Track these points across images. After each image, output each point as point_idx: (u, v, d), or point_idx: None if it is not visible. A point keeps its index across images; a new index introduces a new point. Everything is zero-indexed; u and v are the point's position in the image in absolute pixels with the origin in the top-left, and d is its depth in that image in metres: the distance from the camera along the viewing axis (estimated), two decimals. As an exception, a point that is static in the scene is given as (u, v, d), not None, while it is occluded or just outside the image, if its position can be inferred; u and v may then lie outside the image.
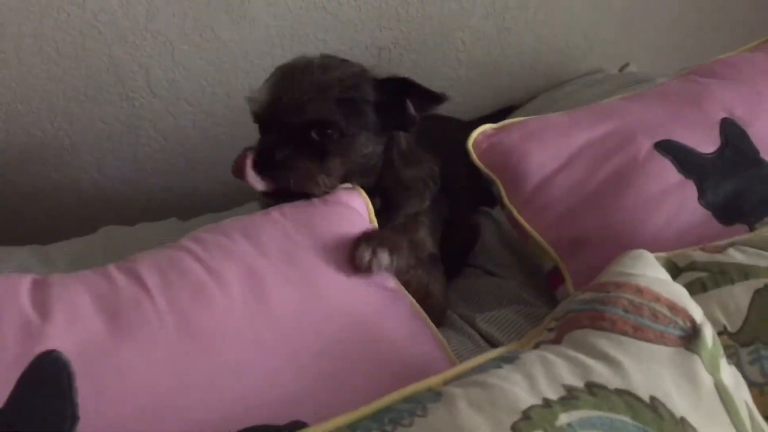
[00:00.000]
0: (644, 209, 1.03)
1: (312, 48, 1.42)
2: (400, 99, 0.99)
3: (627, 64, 1.92)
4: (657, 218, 1.02)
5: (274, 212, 0.90)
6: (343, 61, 1.02)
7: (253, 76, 1.40)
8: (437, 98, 1.00)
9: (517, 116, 1.70)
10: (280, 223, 0.88)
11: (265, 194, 0.95)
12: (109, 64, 1.29)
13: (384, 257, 0.87)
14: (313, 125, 0.95)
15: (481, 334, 1.03)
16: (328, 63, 0.99)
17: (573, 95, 1.71)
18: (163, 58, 1.32)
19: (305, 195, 0.94)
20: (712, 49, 1.89)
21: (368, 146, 0.99)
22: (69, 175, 1.33)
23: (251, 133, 1.01)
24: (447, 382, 0.61)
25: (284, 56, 1.39)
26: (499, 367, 0.60)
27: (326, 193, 0.95)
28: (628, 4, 1.94)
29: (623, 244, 0.99)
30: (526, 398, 0.54)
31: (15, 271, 0.98)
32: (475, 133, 1.12)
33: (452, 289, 1.13)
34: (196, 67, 1.36)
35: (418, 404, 0.56)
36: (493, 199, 1.15)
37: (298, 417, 0.69)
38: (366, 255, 0.86)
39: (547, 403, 0.54)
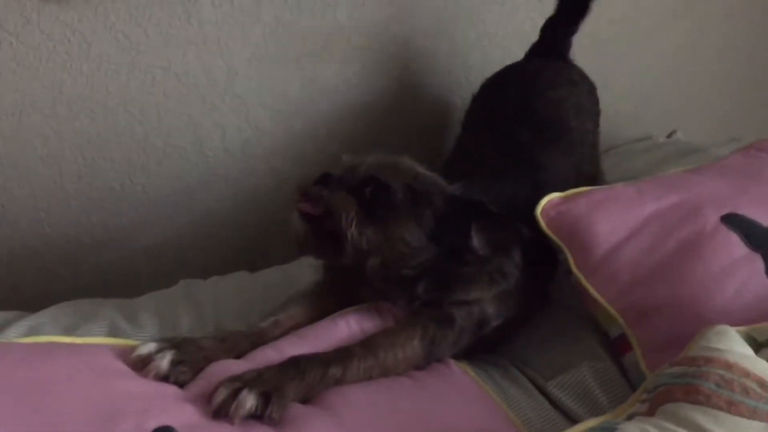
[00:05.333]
0: (713, 281, 1.05)
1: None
2: (466, 221, 1.00)
3: (674, 131, 1.96)
4: (726, 290, 1.04)
5: None
6: (433, 174, 1.06)
7: (319, 139, 1.47)
8: (504, 223, 1.02)
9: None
10: None
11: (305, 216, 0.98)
12: (188, 124, 1.35)
13: (248, 400, 0.77)
14: (370, 182, 0.98)
15: (550, 400, 1.05)
16: (416, 164, 1.06)
17: (623, 163, 1.74)
18: (238, 118, 1.39)
19: (336, 233, 0.95)
20: (756, 117, 1.93)
21: (413, 240, 0.99)
22: (143, 228, 1.39)
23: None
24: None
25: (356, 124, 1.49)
26: (601, 437, 0.63)
27: (351, 243, 0.95)
28: (677, 73, 2.00)
29: (693, 314, 1.02)
30: (635, 470, 0.57)
31: (106, 330, 1.02)
32: (543, 202, 1.15)
33: (528, 340, 1.14)
34: (267, 128, 1.43)
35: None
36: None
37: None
38: (221, 395, 0.78)
39: (656, 476, 0.56)
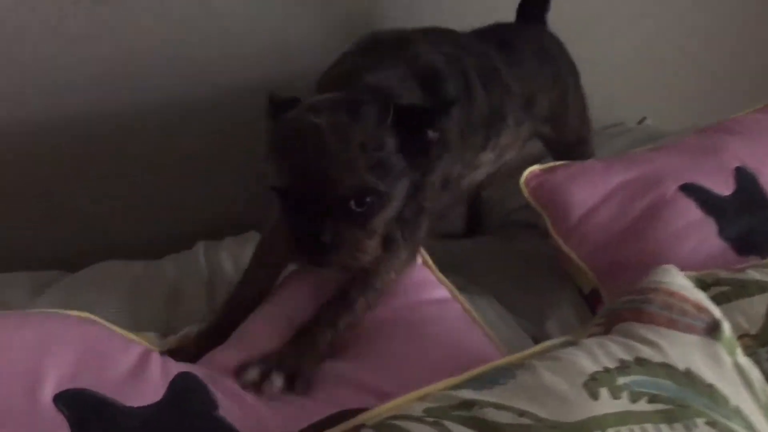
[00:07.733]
0: (673, 240, 1.20)
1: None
2: (417, 126, 0.95)
3: (644, 118, 2.11)
4: (684, 248, 1.19)
5: None
6: (352, 115, 0.91)
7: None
8: (448, 103, 1.02)
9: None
10: None
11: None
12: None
13: (277, 380, 0.87)
14: (352, 198, 0.91)
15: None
16: (338, 127, 0.89)
17: (598, 147, 1.90)
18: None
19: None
20: (720, 105, 2.10)
21: (402, 191, 0.97)
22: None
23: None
24: (524, 359, 0.78)
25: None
26: (565, 348, 0.78)
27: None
28: (647, 64, 2.17)
29: (655, 269, 1.18)
30: (591, 366, 0.72)
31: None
32: (526, 173, 1.30)
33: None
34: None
35: (508, 371, 0.74)
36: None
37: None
38: (252, 374, 0.88)
39: (607, 370, 0.72)
